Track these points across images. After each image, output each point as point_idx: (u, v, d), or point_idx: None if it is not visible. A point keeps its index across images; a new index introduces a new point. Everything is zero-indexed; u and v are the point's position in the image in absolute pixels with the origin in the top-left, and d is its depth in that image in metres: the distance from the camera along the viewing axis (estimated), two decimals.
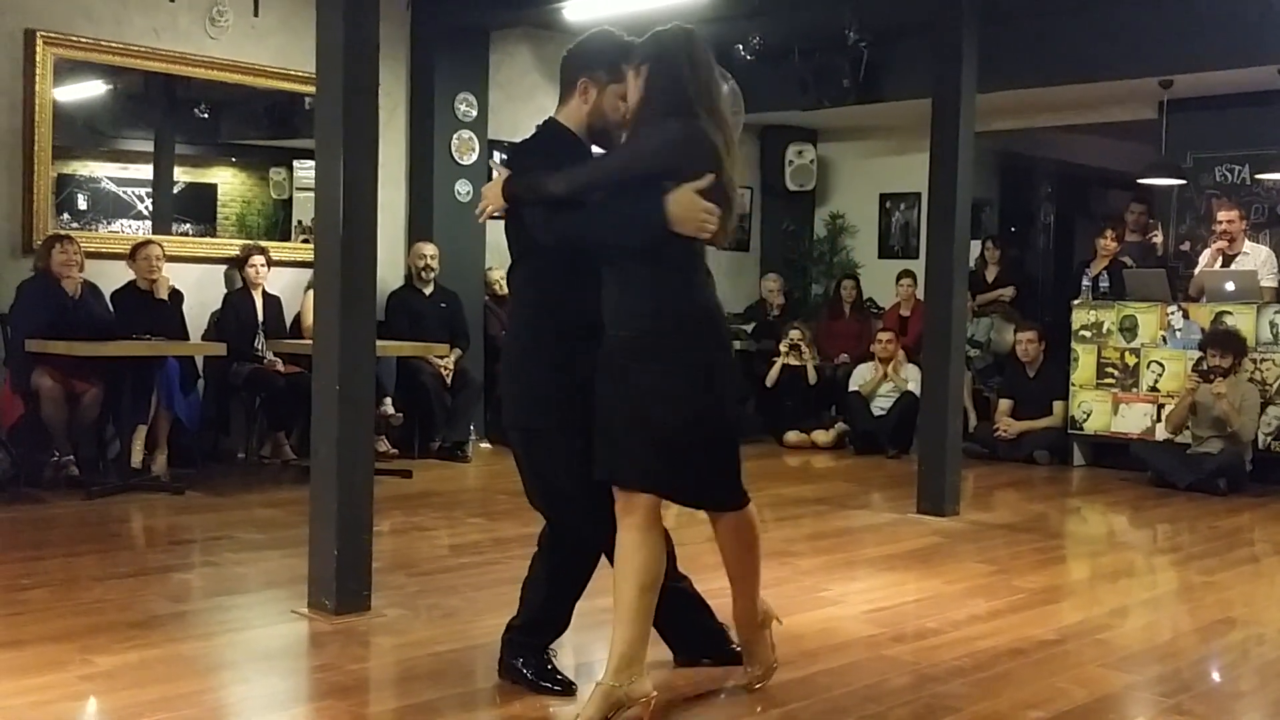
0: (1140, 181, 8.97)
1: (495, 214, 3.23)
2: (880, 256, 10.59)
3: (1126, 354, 8.14)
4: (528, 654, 3.38)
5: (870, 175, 10.69)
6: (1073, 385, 8.34)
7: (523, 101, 8.92)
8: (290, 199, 8.61)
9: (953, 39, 6.33)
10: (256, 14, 7.65)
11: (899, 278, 9.60)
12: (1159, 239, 8.91)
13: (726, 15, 8.22)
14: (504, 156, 8.30)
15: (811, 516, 6.41)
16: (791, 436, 9.20)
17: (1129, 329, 8.13)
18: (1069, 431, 8.40)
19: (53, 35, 6.87)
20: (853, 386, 8.99)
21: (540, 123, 3.32)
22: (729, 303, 9.79)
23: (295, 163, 8.50)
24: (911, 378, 8.56)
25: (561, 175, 3.06)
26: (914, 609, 4.49)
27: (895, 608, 4.50)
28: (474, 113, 8.56)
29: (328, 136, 4.16)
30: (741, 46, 8.81)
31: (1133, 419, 8.08)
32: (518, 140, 3.76)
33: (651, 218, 2.96)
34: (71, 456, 6.45)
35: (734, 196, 3.08)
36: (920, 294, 8.31)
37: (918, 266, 8.28)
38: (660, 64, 3.06)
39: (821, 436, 9.16)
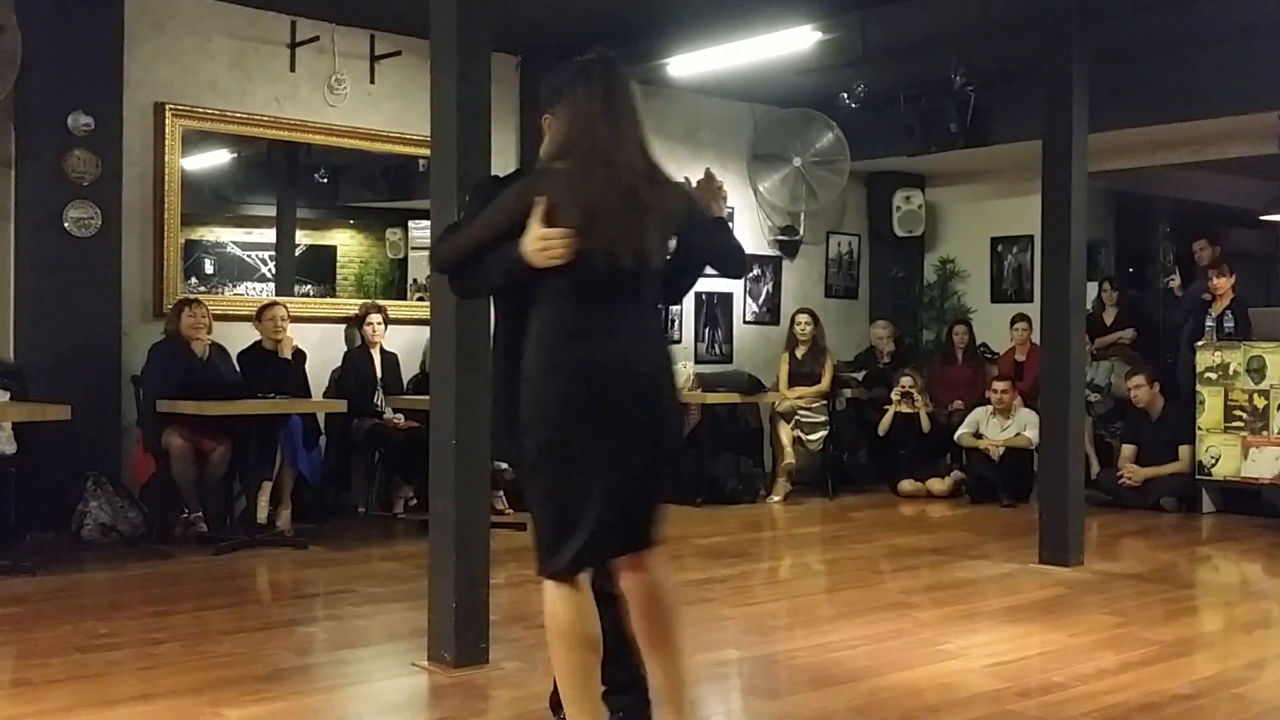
0: (1262, 218, 8.73)
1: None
2: (993, 300, 10.42)
3: (1255, 396, 7.87)
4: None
5: (980, 219, 10.56)
6: (1199, 429, 8.09)
7: None
8: (406, 258, 8.83)
9: (1062, 79, 6.26)
10: (373, 81, 7.90)
11: (1013, 322, 9.45)
12: (1206, 253, 8.75)
13: (831, 64, 8.26)
14: None
15: (929, 567, 6.31)
16: (906, 485, 9.08)
17: (1256, 370, 7.87)
18: (1196, 477, 8.13)
19: (181, 108, 7.16)
20: (961, 430, 8.86)
21: None
22: (839, 351, 9.77)
23: (410, 223, 8.73)
24: (1030, 424, 8.39)
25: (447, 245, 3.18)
26: (1039, 662, 4.38)
27: (1019, 661, 4.39)
28: None
29: (442, 197, 4.25)
30: (846, 94, 8.82)
31: (1264, 463, 7.80)
32: None
33: (507, 256, 3.01)
34: (200, 513, 6.63)
35: (600, 205, 2.91)
36: (1035, 338, 8.16)
37: (1032, 310, 8.13)
38: (561, 106, 3.06)
39: (937, 485, 9.03)
